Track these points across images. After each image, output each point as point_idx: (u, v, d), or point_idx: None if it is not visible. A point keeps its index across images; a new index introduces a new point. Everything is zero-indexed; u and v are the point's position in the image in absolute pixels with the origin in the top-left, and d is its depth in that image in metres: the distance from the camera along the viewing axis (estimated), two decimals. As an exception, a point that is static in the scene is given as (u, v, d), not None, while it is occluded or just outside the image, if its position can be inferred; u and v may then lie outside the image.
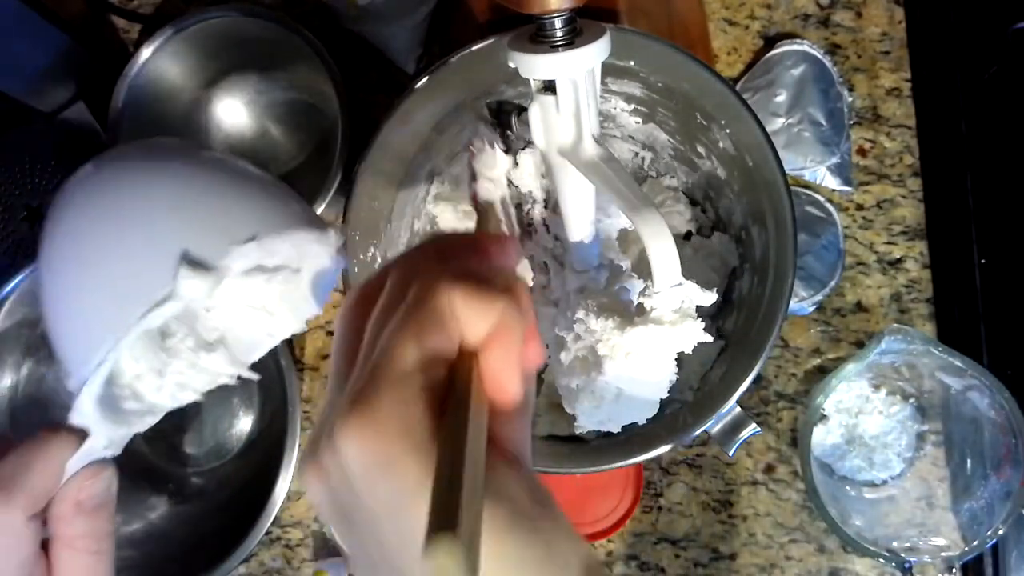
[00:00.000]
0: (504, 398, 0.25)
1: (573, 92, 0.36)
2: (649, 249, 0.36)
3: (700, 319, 0.38)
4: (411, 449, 0.22)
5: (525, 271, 0.44)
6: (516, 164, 0.42)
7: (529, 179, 0.43)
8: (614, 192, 0.37)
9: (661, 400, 0.42)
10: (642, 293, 0.39)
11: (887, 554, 0.56)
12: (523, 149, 0.42)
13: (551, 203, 0.44)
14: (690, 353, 0.40)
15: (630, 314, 0.39)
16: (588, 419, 0.41)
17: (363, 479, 0.23)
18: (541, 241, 0.45)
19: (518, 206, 0.45)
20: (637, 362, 0.38)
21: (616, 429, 0.42)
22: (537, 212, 0.44)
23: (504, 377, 0.25)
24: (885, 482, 0.63)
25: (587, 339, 0.40)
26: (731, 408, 0.48)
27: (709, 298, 0.38)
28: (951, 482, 0.61)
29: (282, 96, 0.70)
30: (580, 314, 0.41)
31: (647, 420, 0.43)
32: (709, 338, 0.38)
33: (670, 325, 0.37)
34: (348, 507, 0.24)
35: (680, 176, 0.61)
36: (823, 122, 0.65)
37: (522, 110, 0.40)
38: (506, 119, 0.41)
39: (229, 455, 0.67)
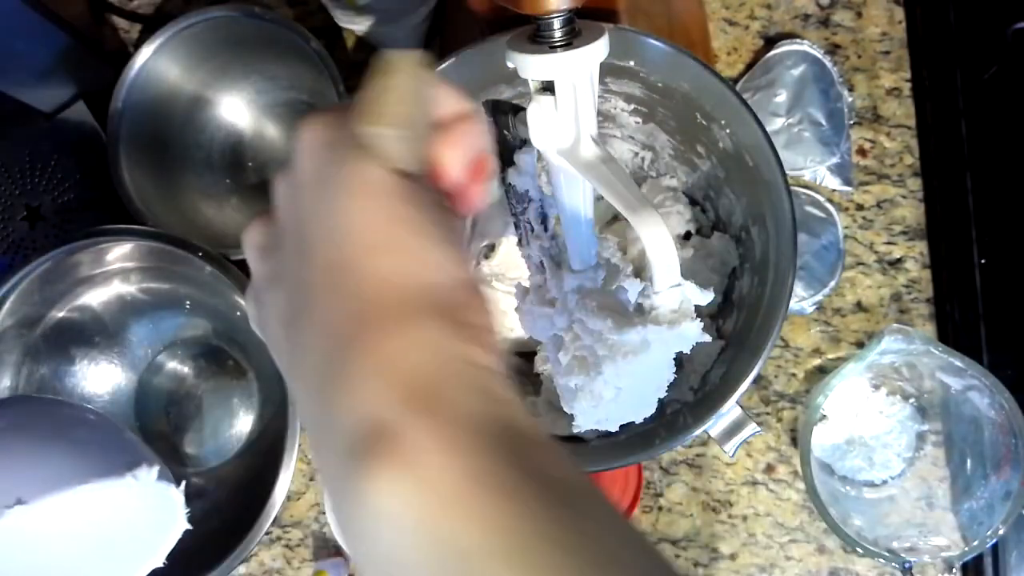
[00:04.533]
0: (447, 173, 0.26)
1: (572, 93, 0.36)
2: (648, 250, 0.36)
3: (699, 319, 0.38)
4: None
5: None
6: (513, 164, 0.42)
7: (526, 179, 0.43)
8: (612, 193, 0.37)
9: (660, 400, 0.42)
10: (641, 293, 0.39)
11: (887, 554, 0.56)
12: (520, 149, 0.42)
13: (548, 203, 0.44)
14: (689, 353, 0.40)
15: (629, 314, 0.39)
16: (586, 419, 0.41)
17: (308, 158, 0.25)
18: (538, 241, 0.45)
19: (515, 205, 0.45)
20: (636, 362, 0.38)
21: (614, 428, 0.42)
22: (533, 211, 0.44)
23: (452, 154, 0.26)
24: (885, 482, 0.63)
25: (585, 339, 0.40)
26: (731, 408, 0.48)
27: (707, 298, 0.38)
28: (951, 482, 0.61)
29: (282, 96, 0.70)
30: (579, 314, 0.41)
31: (646, 420, 0.43)
32: (708, 338, 0.38)
33: (669, 325, 0.37)
34: (287, 216, 0.26)
35: (680, 176, 0.61)
36: (823, 122, 0.65)
37: (519, 110, 0.40)
38: (503, 119, 0.41)
39: (229, 455, 0.67)
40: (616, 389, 0.39)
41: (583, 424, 0.42)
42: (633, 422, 0.43)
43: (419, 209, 0.24)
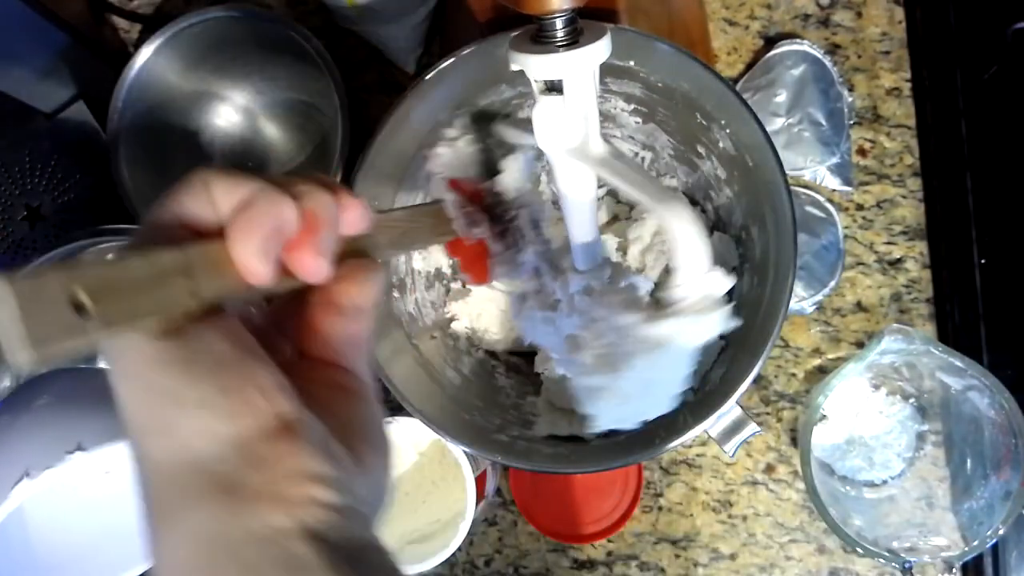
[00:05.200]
0: (252, 274, 0.23)
1: (580, 91, 0.36)
2: (677, 238, 0.35)
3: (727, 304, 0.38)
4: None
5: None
6: (500, 171, 0.42)
7: (513, 185, 0.42)
8: (632, 186, 0.36)
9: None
10: (669, 284, 0.39)
11: (887, 554, 0.56)
12: (505, 156, 0.41)
13: (537, 208, 0.44)
14: (717, 339, 0.39)
15: (654, 307, 0.39)
16: (607, 418, 0.41)
17: None
18: (532, 246, 0.45)
19: (504, 212, 0.44)
20: (664, 354, 0.37)
21: (632, 426, 0.42)
22: (524, 217, 0.43)
23: (244, 251, 0.23)
24: (885, 482, 0.63)
25: (609, 336, 0.39)
26: (731, 408, 0.48)
27: (731, 282, 0.38)
28: (951, 482, 0.61)
29: (282, 96, 0.70)
30: (601, 312, 0.40)
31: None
32: (739, 322, 0.38)
33: (700, 313, 0.37)
34: None
35: (680, 176, 0.61)
36: (823, 122, 0.65)
37: (506, 115, 0.40)
38: (486, 127, 0.41)
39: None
40: (643, 384, 0.39)
41: (603, 424, 0.41)
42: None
43: (177, 371, 0.22)
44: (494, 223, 0.43)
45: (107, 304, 0.20)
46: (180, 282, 0.22)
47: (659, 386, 0.40)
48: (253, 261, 0.23)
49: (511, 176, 0.43)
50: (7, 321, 0.19)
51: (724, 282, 0.37)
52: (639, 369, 0.38)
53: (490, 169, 0.42)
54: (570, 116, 0.36)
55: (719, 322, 0.37)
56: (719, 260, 0.58)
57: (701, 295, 0.37)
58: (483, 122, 0.41)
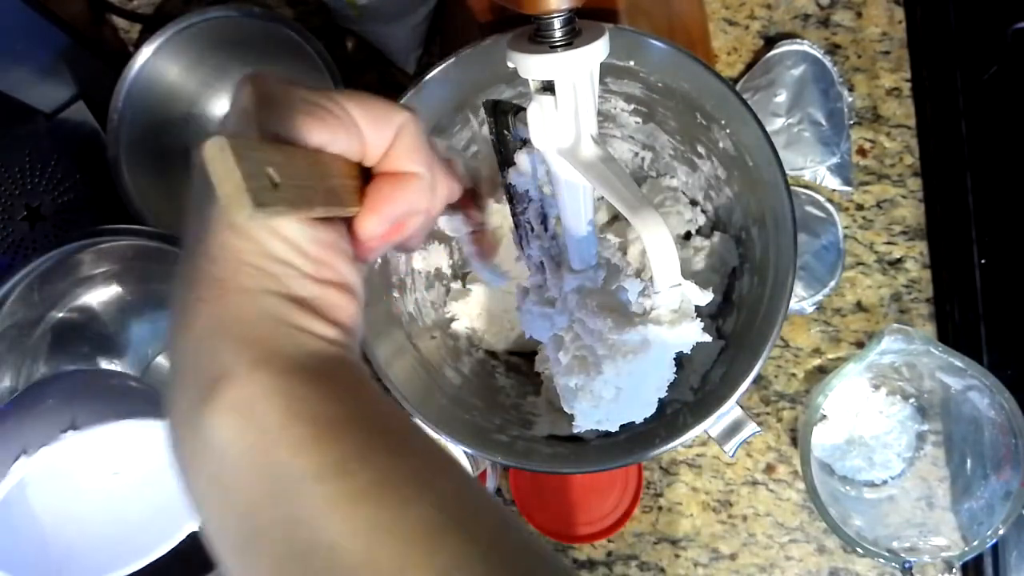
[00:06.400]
0: (364, 235, 0.29)
1: (572, 92, 0.36)
2: (648, 249, 0.36)
3: (699, 319, 0.38)
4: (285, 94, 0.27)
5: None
6: (513, 164, 0.42)
7: (526, 179, 0.43)
8: (613, 192, 0.37)
9: (660, 400, 0.42)
10: (641, 293, 0.39)
11: (887, 554, 0.56)
12: (520, 149, 0.42)
13: (548, 203, 0.44)
14: (689, 353, 0.40)
15: (629, 314, 0.39)
16: (586, 419, 0.41)
17: (242, 116, 0.27)
18: (538, 240, 0.45)
19: (515, 205, 0.45)
20: (636, 362, 0.38)
21: (614, 428, 0.42)
22: (533, 211, 0.44)
23: (373, 224, 0.29)
24: (885, 482, 0.63)
25: (585, 338, 0.40)
26: (731, 408, 0.48)
27: (707, 298, 0.38)
28: (951, 482, 0.61)
29: (282, 96, 0.70)
30: (579, 314, 0.41)
31: (646, 420, 0.43)
32: (708, 338, 0.38)
33: (669, 325, 0.37)
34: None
35: (680, 176, 0.61)
36: (823, 122, 0.65)
37: (519, 110, 0.40)
38: (503, 119, 0.41)
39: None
40: (616, 389, 0.39)
41: (583, 424, 0.42)
42: (633, 422, 0.43)
43: (310, 247, 0.28)
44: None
45: (288, 187, 0.23)
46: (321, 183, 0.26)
47: (633, 392, 0.40)
48: (369, 230, 0.29)
49: (522, 169, 0.43)
50: (224, 176, 0.21)
51: (698, 296, 0.38)
52: (611, 374, 0.39)
53: (506, 160, 0.43)
54: (560, 116, 0.36)
55: (689, 335, 0.38)
56: (719, 260, 0.58)
57: (672, 307, 0.37)
58: (501, 113, 0.41)
